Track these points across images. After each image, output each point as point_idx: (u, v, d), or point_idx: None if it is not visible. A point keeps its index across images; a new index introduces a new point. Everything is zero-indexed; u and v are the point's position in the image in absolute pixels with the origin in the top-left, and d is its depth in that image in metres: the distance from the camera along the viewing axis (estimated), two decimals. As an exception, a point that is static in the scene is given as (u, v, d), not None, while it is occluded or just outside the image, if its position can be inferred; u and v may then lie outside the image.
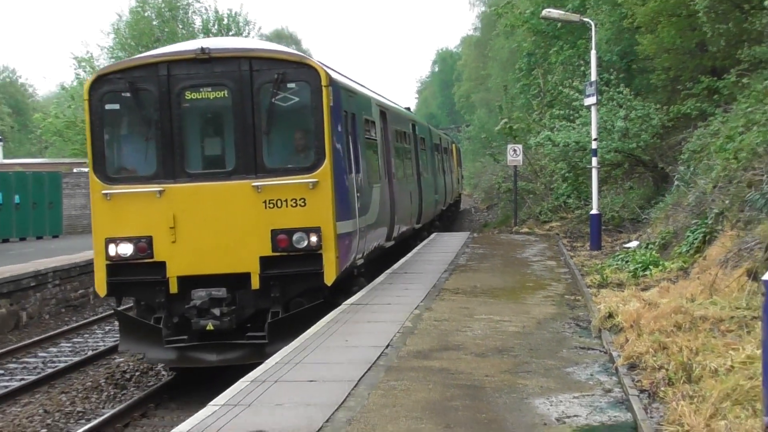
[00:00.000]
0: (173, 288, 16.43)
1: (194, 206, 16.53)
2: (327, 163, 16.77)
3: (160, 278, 16.47)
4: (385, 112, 26.05)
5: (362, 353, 13.16)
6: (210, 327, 15.79)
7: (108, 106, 17.10)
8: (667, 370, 11.72)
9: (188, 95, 16.84)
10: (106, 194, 16.55)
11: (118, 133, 17.99)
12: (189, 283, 16.37)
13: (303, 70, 16.93)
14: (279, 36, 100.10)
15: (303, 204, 16.52)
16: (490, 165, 62.81)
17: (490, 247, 30.61)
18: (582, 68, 37.63)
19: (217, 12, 75.29)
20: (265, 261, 16.47)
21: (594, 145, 29.54)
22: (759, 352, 9.71)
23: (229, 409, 10.39)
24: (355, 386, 11.24)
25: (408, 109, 39.46)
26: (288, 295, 16.74)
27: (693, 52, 31.69)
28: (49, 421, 15.74)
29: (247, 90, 16.70)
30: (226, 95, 16.88)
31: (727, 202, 20.97)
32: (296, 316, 16.35)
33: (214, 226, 16.48)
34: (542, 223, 40.53)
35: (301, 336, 14.73)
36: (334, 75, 18.20)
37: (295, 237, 16.43)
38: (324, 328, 15.32)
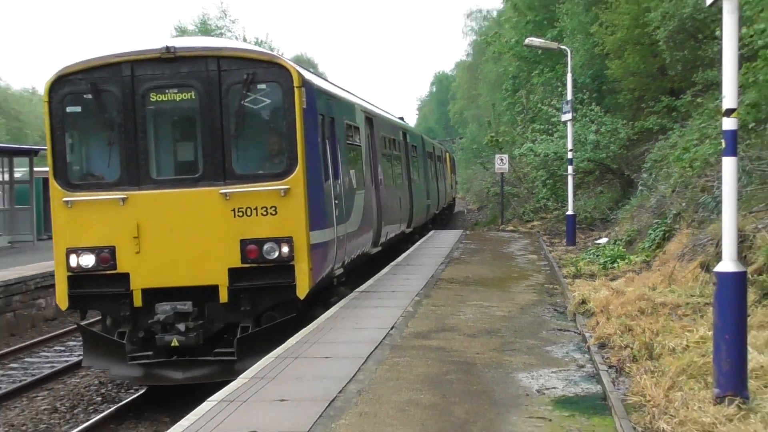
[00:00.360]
0: (137, 301, 13.39)
1: (159, 214, 13.45)
2: (299, 169, 13.56)
3: (124, 291, 13.43)
4: (371, 118, 22.37)
5: (370, 334, 13.16)
6: (175, 343, 12.85)
7: (69, 109, 13.96)
8: (631, 348, 11.75)
9: (153, 97, 13.69)
10: (67, 202, 13.49)
11: (80, 137, 14.69)
12: (154, 295, 13.36)
13: (274, 69, 13.67)
14: (299, 60, 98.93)
15: (274, 212, 13.36)
16: (480, 172, 62.67)
17: (480, 243, 30.58)
18: (559, 89, 37.53)
19: (245, 39, 75.30)
20: (234, 273, 13.40)
21: (570, 155, 29.59)
22: (710, 333, 9.73)
23: (256, 381, 10.45)
24: (364, 362, 11.27)
25: (401, 118, 35.98)
26: (259, 308, 13.65)
27: (654, 76, 31.66)
28: (103, 391, 15.79)
29: (215, 91, 13.54)
30: (194, 97, 13.64)
31: (683, 204, 20.98)
32: (267, 331, 13.34)
33: (180, 236, 13.40)
34: (525, 222, 40.52)
35: (318, 318, 14.69)
36: (308, 76, 14.97)
37: (265, 247, 13.32)
38: (337, 313, 15.31)
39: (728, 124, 8.81)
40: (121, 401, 14.65)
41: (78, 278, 13.57)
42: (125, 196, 13.43)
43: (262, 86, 13.67)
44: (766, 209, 16.10)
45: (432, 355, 11.72)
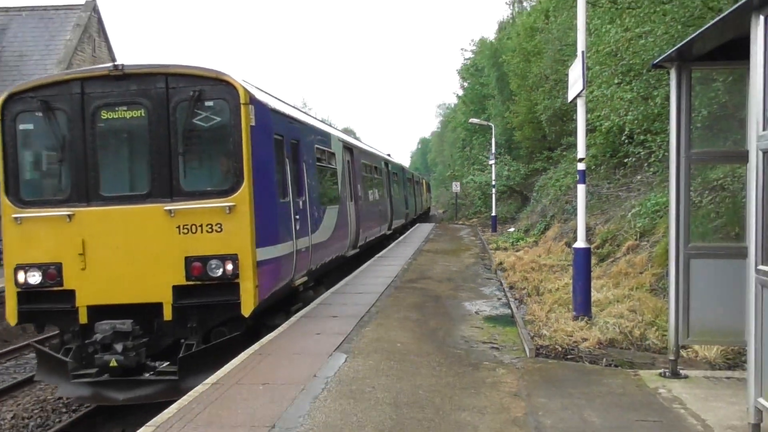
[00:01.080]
0: (83, 318, 8.19)
1: (104, 231, 8.18)
2: (245, 186, 8.18)
3: (70, 307, 8.21)
4: (351, 148, 15.85)
5: (383, 280, 13.04)
6: (113, 363, 7.72)
7: (21, 127, 8.69)
8: (527, 289, 11.69)
9: (104, 115, 8.40)
10: (17, 218, 8.33)
11: (32, 155, 9.08)
12: (100, 312, 8.13)
13: (221, 87, 8.35)
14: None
15: (219, 229, 8.15)
16: (444, 192, 62.87)
17: (444, 231, 30.47)
18: (488, 146, 37.50)
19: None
20: (178, 290, 8.11)
21: (493, 182, 29.59)
22: (571, 281, 9.64)
23: (320, 306, 10.33)
24: (379, 296, 11.17)
25: (389, 155, 28.00)
26: (207, 325, 8.25)
27: (540, 140, 31.50)
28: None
29: (163, 109, 8.31)
30: (143, 114, 8.36)
31: (556, 210, 20.95)
32: (213, 348, 7.99)
33: (125, 253, 8.12)
34: (468, 219, 40.46)
35: (356, 270, 14.55)
36: (261, 96, 9.20)
37: (209, 265, 8.09)
38: (365, 267, 15.17)
39: (580, 166, 8.76)
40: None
41: (27, 294, 8.38)
42: (71, 213, 8.21)
43: (210, 103, 8.38)
44: (601, 213, 16.01)
45: (417, 292, 11.63)
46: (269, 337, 8.22)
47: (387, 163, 24.25)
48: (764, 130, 4.39)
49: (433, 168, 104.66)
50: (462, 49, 72.96)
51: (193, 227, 8.11)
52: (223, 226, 8.08)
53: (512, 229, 26.43)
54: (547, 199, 23.58)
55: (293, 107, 11.59)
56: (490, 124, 32.01)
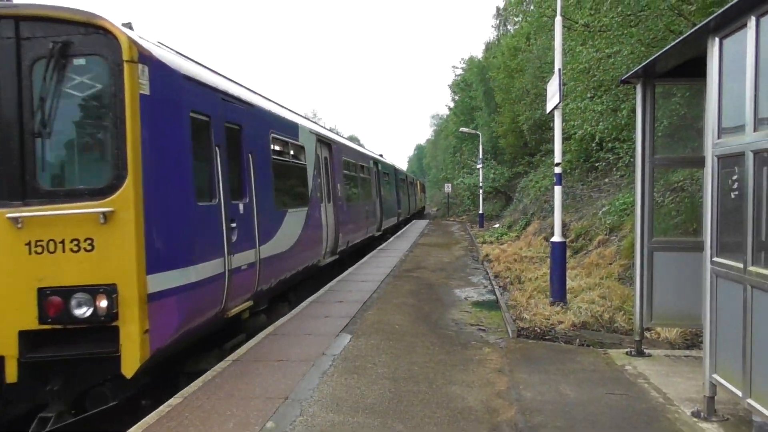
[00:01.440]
0: None
1: None
2: (130, 183, 4.41)
3: None
4: (330, 144, 12.05)
5: (383, 269, 12.98)
6: None
7: None
8: (510, 278, 11.66)
9: None
10: None
11: None
12: None
13: (95, 37, 4.30)
14: (351, 139, 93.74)
15: (89, 247, 4.31)
16: (437, 192, 62.77)
17: (437, 226, 30.41)
18: (476, 152, 37.47)
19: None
20: (28, 338, 4.34)
21: (481, 184, 29.55)
22: (548, 271, 9.63)
23: (328, 292, 10.29)
24: (380, 283, 11.12)
25: (381, 155, 23.69)
26: (75, 388, 4.45)
27: (521, 146, 31.48)
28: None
29: (12, 69, 4.34)
30: None
31: (535, 209, 20.93)
32: (90, 419, 4.37)
33: None
34: (459, 216, 40.43)
35: (359, 261, 14.50)
36: (166, 56, 5.06)
37: (74, 300, 4.27)
38: (368, 259, 15.11)
39: (557, 170, 8.76)
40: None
41: None
42: None
43: (80, 61, 4.60)
44: (575, 211, 16.00)
45: (413, 280, 11.58)
46: (283, 320, 8.20)
47: (377, 162, 19.87)
48: (719, 138, 4.38)
49: (428, 171, 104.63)
50: (453, 67, 72.78)
51: (51, 244, 4.58)
52: (95, 243, 4.60)
53: (497, 225, 26.41)
54: (528, 198, 23.57)
55: (241, 86, 7.90)
56: (477, 132, 32.00)
